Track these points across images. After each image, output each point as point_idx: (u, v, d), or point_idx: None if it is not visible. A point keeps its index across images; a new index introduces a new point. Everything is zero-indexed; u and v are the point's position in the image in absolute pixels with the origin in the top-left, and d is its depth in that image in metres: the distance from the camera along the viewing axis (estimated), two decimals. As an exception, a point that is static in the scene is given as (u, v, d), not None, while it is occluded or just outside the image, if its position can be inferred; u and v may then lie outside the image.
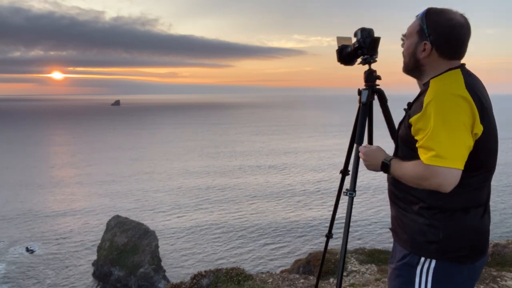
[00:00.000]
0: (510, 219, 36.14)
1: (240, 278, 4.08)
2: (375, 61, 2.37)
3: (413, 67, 1.75)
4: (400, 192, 1.75)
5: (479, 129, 1.53)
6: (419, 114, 1.55)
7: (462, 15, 1.63)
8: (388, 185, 1.89)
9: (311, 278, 4.68)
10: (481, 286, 4.39)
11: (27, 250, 30.77)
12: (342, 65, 2.44)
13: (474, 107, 1.51)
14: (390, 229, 1.88)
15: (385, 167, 1.73)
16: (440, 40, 1.62)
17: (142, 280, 25.22)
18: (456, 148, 1.49)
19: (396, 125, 1.92)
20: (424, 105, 1.54)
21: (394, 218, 1.82)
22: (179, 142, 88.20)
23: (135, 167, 59.01)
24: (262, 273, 4.81)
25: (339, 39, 2.39)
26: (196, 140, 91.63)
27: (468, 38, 1.64)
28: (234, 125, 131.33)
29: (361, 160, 1.93)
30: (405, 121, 1.70)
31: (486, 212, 1.70)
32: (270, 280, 4.40)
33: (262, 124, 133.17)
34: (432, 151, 1.49)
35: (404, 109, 1.78)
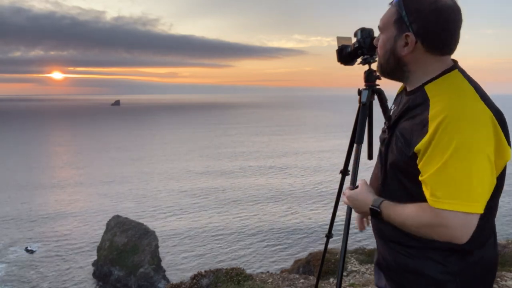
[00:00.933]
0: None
1: (240, 278, 4.08)
2: (375, 61, 2.37)
3: (393, 68, 1.34)
4: (397, 231, 1.32)
5: (508, 152, 1.19)
6: (425, 138, 1.16)
7: None
8: (374, 220, 1.43)
9: (311, 278, 4.68)
10: (481, 286, 4.40)
11: (27, 250, 30.77)
12: (342, 65, 2.44)
13: (498, 125, 1.16)
14: (381, 268, 1.47)
15: (374, 214, 1.33)
16: (426, 29, 1.23)
17: (142, 280, 25.22)
18: (478, 187, 1.13)
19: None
20: (432, 126, 1.15)
21: (390, 261, 1.41)
22: (179, 142, 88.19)
23: (135, 167, 59.00)
24: (262, 273, 4.81)
25: (339, 39, 2.40)
26: (196, 140, 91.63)
27: (460, 25, 1.25)
28: (234, 125, 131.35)
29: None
30: (396, 144, 1.30)
31: (496, 238, 1.41)
32: (270, 280, 4.40)
33: (262, 124, 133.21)
34: (446, 190, 1.13)
35: (386, 124, 1.42)
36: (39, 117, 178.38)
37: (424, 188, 1.19)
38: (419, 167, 1.20)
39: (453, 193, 1.12)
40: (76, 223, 36.10)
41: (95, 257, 27.90)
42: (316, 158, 65.42)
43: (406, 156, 1.24)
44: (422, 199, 1.20)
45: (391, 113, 1.47)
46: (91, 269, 27.74)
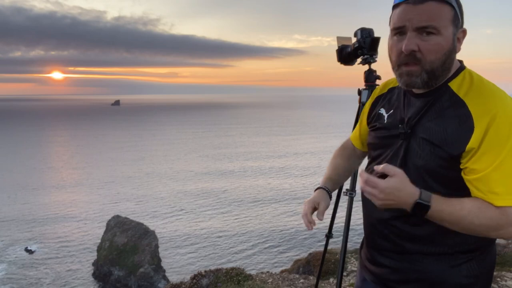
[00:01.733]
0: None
1: (240, 278, 4.08)
2: (375, 61, 2.38)
3: (445, 69, 1.21)
4: (421, 237, 1.24)
5: None
6: (476, 136, 1.12)
7: None
8: (388, 224, 1.32)
9: (311, 278, 4.68)
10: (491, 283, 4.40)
11: (26, 250, 30.76)
12: (342, 65, 2.45)
13: None
14: (389, 285, 1.36)
15: (419, 209, 1.12)
16: (462, 21, 1.20)
17: (142, 280, 25.23)
18: None
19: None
20: (481, 124, 1.12)
21: (406, 272, 1.30)
22: (179, 142, 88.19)
23: (135, 167, 59.01)
24: (262, 273, 4.81)
25: (339, 39, 2.40)
26: (196, 140, 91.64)
27: None
28: (234, 125, 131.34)
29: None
30: (421, 147, 1.22)
31: None
32: (270, 280, 4.40)
33: (262, 124, 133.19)
34: (508, 187, 1.10)
35: (402, 131, 1.28)
36: (39, 117, 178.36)
37: (475, 187, 1.14)
38: (467, 165, 1.15)
39: None
40: (76, 223, 36.10)
41: (95, 257, 27.90)
42: (317, 158, 65.43)
43: (443, 158, 1.17)
44: None
45: (385, 117, 1.39)
46: (91, 269, 27.75)
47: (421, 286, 1.28)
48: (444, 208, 1.12)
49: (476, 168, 1.13)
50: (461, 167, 1.16)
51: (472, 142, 1.12)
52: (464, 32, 1.21)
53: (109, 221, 28.86)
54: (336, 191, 2.57)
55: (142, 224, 28.20)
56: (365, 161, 1.62)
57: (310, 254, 8.49)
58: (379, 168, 1.13)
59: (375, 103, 1.48)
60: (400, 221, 1.28)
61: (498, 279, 4.49)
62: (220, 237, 33.26)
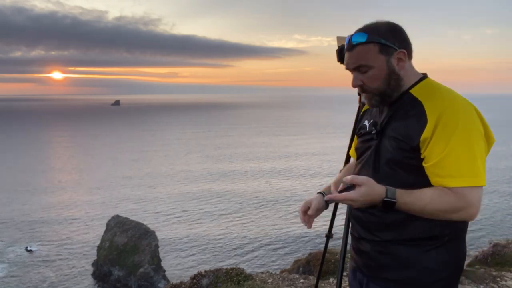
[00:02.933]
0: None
1: (240, 278, 4.08)
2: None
3: (394, 87, 1.43)
4: (394, 224, 1.40)
5: (493, 136, 1.38)
6: (428, 127, 1.31)
7: None
8: (355, 210, 1.53)
9: (311, 278, 4.68)
10: (481, 286, 4.39)
11: (27, 250, 30.76)
12: (342, 65, 2.44)
13: (480, 113, 1.36)
14: (370, 271, 1.50)
15: (388, 205, 1.31)
16: (402, 40, 1.40)
17: (142, 280, 25.23)
18: (482, 163, 1.29)
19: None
20: (433, 117, 1.31)
21: (378, 255, 1.46)
22: (179, 142, 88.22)
23: (135, 167, 59.02)
24: (262, 273, 4.81)
25: (339, 39, 2.40)
26: (196, 140, 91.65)
27: None
28: (234, 125, 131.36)
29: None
30: (389, 143, 1.41)
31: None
32: (270, 280, 4.40)
33: (262, 124, 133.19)
34: (460, 169, 1.26)
35: (376, 132, 1.48)
36: (39, 117, 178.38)
37: (434, 172, 1.32)
38: (424, 154, 1.33)
39: (465, 171, 1.27)
40: (76, 223, 36.10)
41: (95, 257, 27.90)
42: (317, 159, 65.45)
43: (406, 150, 1.36)
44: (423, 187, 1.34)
45: (367, 126, 1.58)
46: (91, 269, 27.75)
47: (395, 270, 1.43)
48: (408, 200, 1.30)
49: (431, 155, 1.31)
50: (421, 156, 1.34)
51: (426, 133, 1.31)
52: (403, 53, 1.40)
53: (109, 221, 28.86)
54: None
55: (142, 224, 28.20)
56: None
57: (310, 254, 8.49)
58: (347, 180, 1.33)
59: (361, 118, 1.73)
60: (374, 210, 1.44)
61: (498, 279, 4.49)
62: (220, 237, 33.26)
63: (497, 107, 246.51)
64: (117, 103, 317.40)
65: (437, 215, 1.30)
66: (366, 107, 1.74)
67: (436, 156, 1.29)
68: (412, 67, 1.46)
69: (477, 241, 29.14)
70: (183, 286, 4.11)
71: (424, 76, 1.47)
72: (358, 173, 1.54)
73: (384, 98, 1.45)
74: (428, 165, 1.32)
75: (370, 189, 1.32)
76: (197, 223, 36.18)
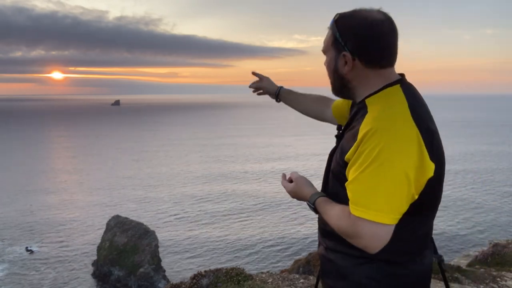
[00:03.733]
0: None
1: (240, 278, 4.08)
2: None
3: (340, 86, 1.39)
4: (334, 234, 1.34)
5: (430, 169, 1.19)
6: (353, 147, 1.22)
7: (379, 11, 1.28)
8: (318, 220, 1.51)
9: (311, 278, 4.68)
10: (481, 286, 4.39)
11: (27, 250, 30.77)
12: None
13: (422, 143, 1.18)
14: (320, 269, 1.51)
15: (311, 209, 1.41)
16: (360, 46, 1.26)
17: (142, 280, 25.23)
18: (390, 199, 1.16)
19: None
20: (358, 137, 1.21)
21: (325, 259, 1.44)
22: (179, 142, 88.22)
23: (136, 167, 59.04)
24: (262, 273, 4.81)
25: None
26: (196, 140, 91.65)
27: (395, 37, 1.29)
28: (235, 125, 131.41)
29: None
30: (337, 153, 1.35)
31: (427, 255, 1.38)
32: (270, 280, 4.40)
33: (263, 125, 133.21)
34: (361, 199, 1.18)
35: (336, 135, 1.48)
36: (39, 117, 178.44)
37: (348, 192, 1.24)
38: (346, 173, 1.26)
39: (366, 202, 1.17)
40: (76, 223, 36.11)
41: (95, 257, 27.90)
42: (318, 159, 65.44)
43: (340, 165, 1.30)
44: None
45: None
46: (91, 269, 27.75)
47: (334, 278, 1.39)
48: (321, 210, 1.34)
49: (349, 177, 1.24)
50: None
51: (349, 153, 1.23)
52: (347, 58, 1.29)
53: (109, 221, 28.86)
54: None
55: (142, 224, 28.20)
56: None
57: (310, 254, 8.50)
58: (289, 174, 1.51)
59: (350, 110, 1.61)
60: (321, 218, 1.44)
61: (498, 279, 4.49)
62: (220, 237, 33.26)
63: (497, 107, 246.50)
64: (117, 103, 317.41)
65: (341, 234, 1.27)
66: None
67: (349, 178, 1.23)
68: (375, 76, 1.31)
69: (477, 241, 29.16)
70: (183, 286, 4.11)
71: (391, 83, 1.31)
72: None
73: (334, 90, 1.44)
74: (346, 185, 1.26)
75: (298, 188, 1.46)
76: (197, 223, 36.18)
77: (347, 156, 1.24)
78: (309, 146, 79.41)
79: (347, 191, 1.23)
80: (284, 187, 1.53)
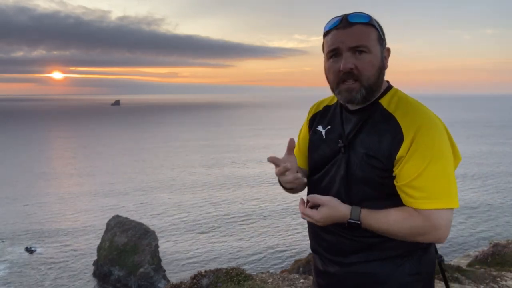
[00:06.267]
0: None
1: (240, 278, 4.08)
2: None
3: (379, 85, 1.35)
4: (362, 243, 1.34)
5: (459, 154, 1.33)
6: (404, 146, 1.24)
7: None
8: (321, 233, 1.44)
9: (311, 278, 4.68)
10: (481, 286, 4.39)
11: (27, 250, 30.77)
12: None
13: (448, 131, 1.33)
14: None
15: (353, 226, 1.31)
16: (385, 40, 1.37)
17: (142, 280, 25.23)
18: (454, 184, 1.25)
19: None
20: (409, 135, 1.23)
21: (345, 277, 1.39)
22: (180, 142, 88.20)
23: (136, 167, 59.02)
24: (262, 273, 4.81)
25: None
26: (197, 140, 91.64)
27: None
28: (235, 126, 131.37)
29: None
30: (361, 158, 1.31)
31: None
32: (270, 280, 4.40)
33: (263, 125, 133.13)
34: (432, 191, 1.21)
35: (341, 146, 1.37)
36: (39, 117, 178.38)
37: (405, 192, 1.25)
38: (396, 172, 1.26)
39: (437, 193, 1.21)
40: (76, 223, 36.10)
41: (95, 257, 27.90)
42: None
43: (380, 169, 1.28)
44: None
45: (323, 133, 1.48)
46: (91, 268, 27.75)
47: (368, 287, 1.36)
48: (372, 222, 1.27)
49: (404, 175, 1.24)
50: (393, 174, 1.27)
51: (402, 151, 1.24)
52: (389, 51, 1.37)
53: (109, 221, 28.86)
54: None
55: (142, 224, 28.20)
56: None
57: (310, 254, 8.49)
58: (311, 199, 1.35)
59: (312, 122, 1.59)
60: (351, 234, 1.36)
61: (498, 279, 4.49)
62: (220, 237, 33.26)
63: (497, 107, 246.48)
64: (117, 103, 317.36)
65: (402, 237, 1.26)
66: (314, 109, 1.61)
67: (409, 176, 1.23)
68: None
69: (477, 241, 29.16)
70: (183, 286, 4.11)
71: (389, 85, 1.40)
72: (326, 189, 1.41)
73: (369, 93, 1.32)
74: (399, 184, 1.26)
75: (333, 210, 1.31)
76: (198, 223, 36.18)
77: (399, 154, 1.24)
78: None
79: (407, 189, 1.24)
80: (309, 216, 1.34)
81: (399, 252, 1.31)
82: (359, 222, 1.28)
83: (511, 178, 49.90)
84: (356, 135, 1.35)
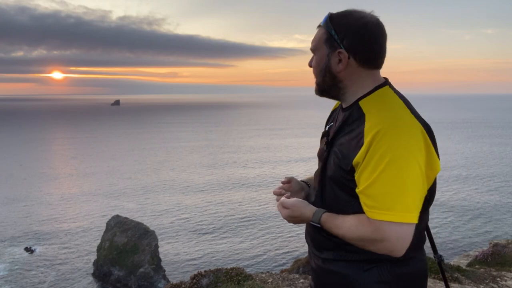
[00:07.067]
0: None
1: (240, 278, 4.08)
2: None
3: (329, 85, 1.37)
4: (332, 242, 1.35)
5: (438, 164, 1.22)
6: (362, 150, 1.20)
7: (372, 14, 1.32)
8: (307, 227, 1.49)
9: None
10: (481, 286, 4.40)
11: (27, 250, 30.77)
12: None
13: (429, 140, 1.21)
14: (316, 283, 1.47)
15: (315, 227, 1.37)
16: (356, 44, 1.28)
17: (142, 280, 25.22)
18: (411, 198, 1.16)
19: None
20: (367, 139, 1.19)
21: (320, 273, 1.42)
22: (180, 142, 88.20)
23: (135, 167, 59.01)
24: (262, 273, 4.81)
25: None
26: (197, 141, 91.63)
27: (385, 40, 1.32)
28: (235, 125, 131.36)
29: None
30: (333, 158, 1.32)
31: (424, 251, 1.41)
32: (270, 280, 4.40)
33: (264, 125, 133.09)
34: (382, 201, 1.16)
35: (325, 139, 1.43)
36: (38, 118, 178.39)
37: (361, 200, 1.22)
38: (355, 178, 1.23)
39: (388, 204, 1.15)
40: (76, 223, 36.10)
41: (95, 257, 27.90)
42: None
43: (344, 170, 1.26)
44: (359, 211, 1.24)
45: (328, 130, 1.51)
46: (91, 268, 27.75)
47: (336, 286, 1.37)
48: (331, 226, 1.29)
49: (360, 181, 1.21)
50: (355, 179, 1.24)
51: (358, 157, 1.21)
52: (342, 55, 1.30)
53: (109, 221, 28.86)
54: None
55: (142, 224, 28.20)
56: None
57: (310, 254, 8.47)
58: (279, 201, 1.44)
59: (328, 119, 1.64)
60: (313, 231, 1.43)
61: (498, 279, 4.49)
62: (221, 237, 33.26)
63: (497, 107, 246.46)
64: (117, 103, 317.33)
65: (356, 244, 1.24)
66: (334, 106, 1.65)
67: (364, 183, 1.20)
68: (367, 76, 1.33)
69: (477, 241, 29.16)
70: (183, 286, 4.11)
71: (381, 85, 1.34)
72: (314, 181, 1.50)
73: (322, 91, 1.40)
74: (357, 191, 1.23)
75: (296, 212, 1.37)
76: (197, 224, 36.18)
77: (355, 160, 1.21)
78: (312, 149, 79.34)
79: (362, 197, 1.21)
80: (281, 214, 1.45)
81: (366, 257, 1.27)
82: (319, 225, 1.33)
83: (511, 178, 49.89)
84: (336, 134, 1.37)
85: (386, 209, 1.15)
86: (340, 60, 1.30)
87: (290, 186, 1.58)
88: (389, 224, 1.15)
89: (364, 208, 1.21)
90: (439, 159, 1.27)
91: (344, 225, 1.25)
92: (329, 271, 1.37)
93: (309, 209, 1.36)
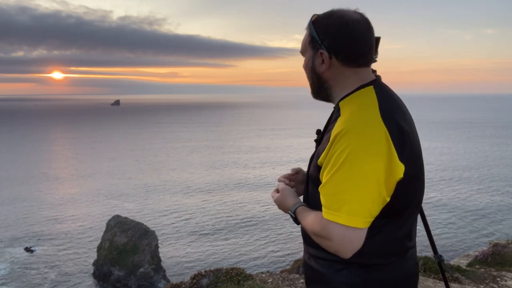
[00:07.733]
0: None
1: (240, 278, 4.08)
2: (375, 61, 2.38)
3: (318, 87, 1.39)
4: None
5: (400, 170, 1.17)
6: (325, 150, 1.23)
7: (356, 12, 1.30)
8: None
9: (311, 278, 4.67)
10: (481, 286, 4.40)
11: (27, 250, 30.77)
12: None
13: (391, 144, 1.17)
14: (304, 276, 1.52)
15: (292, 218, 1.41)
16: (336, 43, 1.27)
17: (142, 280, 25.23)
18: (360, 202, 1.14)
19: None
20: (331, 138, 1.21)
21: (307, 266, 1.44)
22: (180, 142, 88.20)
23: (136, 167, 59.02)
24: (262, 273, 4.81)
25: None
26: (197, 141, 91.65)
27: (371, 36, 1.30)
28: (235, 125, 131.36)
29: None
30: (314, 157, 1.35)
31: (410, 257, 1.35)
32: (270, 280, 4.40)
33: (263, 125, 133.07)
34: (332, 202, 1.17)
35: (315, 140, 1.47)
36: (39, 117, 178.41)
37: (321, 196, 1.24)
38: (320, 177, 1.27)
39: (337, 205, 1.16)
40: (76, 223, 36.10)
41: (95, 257, 27.90)
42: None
43: (316, 169, 1.30)
44: None
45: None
46: (91, 268, 27.75)
47: (315, 285, 1.39)
48: (300, 218, 1.34)
49: (322, 180, 1.24)
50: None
51: (322, 156, 1.24)
52: (323, 55, 1.30)
53: (109, 221, 28.86)
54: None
55: (142, 224, 28.20)
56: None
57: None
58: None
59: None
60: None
61: (498, 279, 4.49)
62: (221, 237, 33.26)
63: (497, 107, 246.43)
64: (117, 103, 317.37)
65: (314, 239, 1.27)
66: None
67: (323, 181, 1.23)
68: (351, 75, 1.31)
69: (477, 241, 29.16)
70: (183, 286, 4.11)
71: (365, 84, 1.31)
72: None
73: (312, 92, 1.44)
74: (319, 189, 1.26)
75: (282, 199, 1.45)
76: (198, 224, 36.18)
77: (320, 160, 1.25)
78: (311, 148, 79.24)
79: (320, 195, 1.23)
80: (272, 197, 1.53)
81: (338, 258, 1.23)
82: (294, 216, 1.38)
83: (511, 178, 49.90)
84: (322, 134, 1.43)
85: (334, 209, 1.16)
86: (323, 61, 1.32)
87: (296, 177, 1.63)
88: (335, 225, 1.16)
89: (322, 206, 1.23)
90: (419, 161, 1.28)
91: (308, 219, 1.30)
92: (310, 267, 1.40)
93: (292, 199, 1.43)
